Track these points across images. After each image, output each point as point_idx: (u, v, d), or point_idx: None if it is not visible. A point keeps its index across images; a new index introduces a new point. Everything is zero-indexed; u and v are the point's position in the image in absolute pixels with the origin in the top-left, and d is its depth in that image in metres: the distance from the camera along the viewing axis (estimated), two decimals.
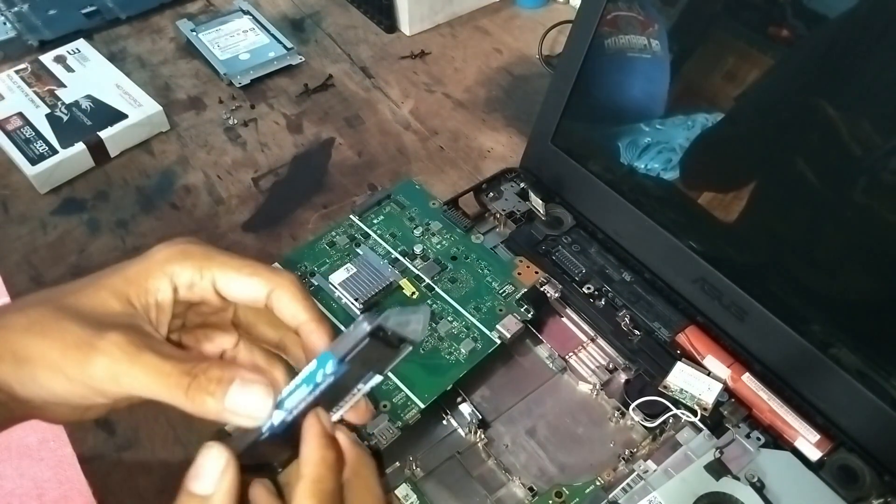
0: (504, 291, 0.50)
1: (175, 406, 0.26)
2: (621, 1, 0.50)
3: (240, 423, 0.26)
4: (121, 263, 0.28)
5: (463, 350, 0.47)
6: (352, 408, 0.28)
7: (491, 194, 0.57)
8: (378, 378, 0.27)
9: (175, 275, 0.27)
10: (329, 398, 0.27)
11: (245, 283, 0.28)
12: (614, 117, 0.55)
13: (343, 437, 0.27)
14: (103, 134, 0.65)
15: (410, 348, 0.27)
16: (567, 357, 0.49)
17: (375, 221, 0.55)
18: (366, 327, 0.25)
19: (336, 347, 0.25)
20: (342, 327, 0.48)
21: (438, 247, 0.53)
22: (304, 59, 0.77)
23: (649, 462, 0.43)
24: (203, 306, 0.30)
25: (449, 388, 0.45)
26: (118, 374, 0.25)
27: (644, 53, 0.50)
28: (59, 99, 0.69)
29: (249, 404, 0.25)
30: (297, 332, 0.29)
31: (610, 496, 0.42)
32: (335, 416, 0.27)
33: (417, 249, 0.53)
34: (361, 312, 0.48)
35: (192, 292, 0.28)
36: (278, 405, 0.26)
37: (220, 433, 0.29)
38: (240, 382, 0.25)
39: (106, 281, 0.27)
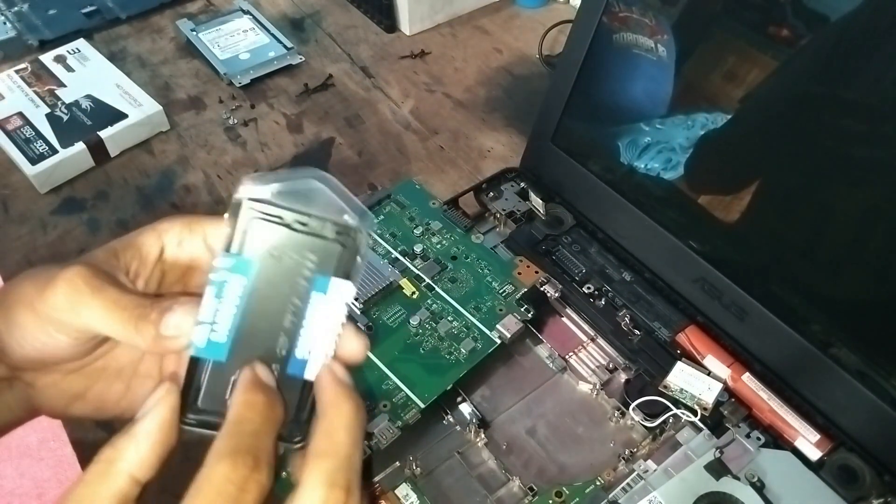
0: (504, 291, 0.50)
1: (131, 344, 0.26)
2: (621, 0, 0.50)
3: (175, 347, 0.25)
4: None
5: (463, 350, 0.47)
6: (340, 338, 0.25)
7: (491, 194, 0.57)
8: (344, 287, 0.24)
9: (164, 231, 0.28)
10: (276, 319, 0.24)
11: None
12: (614, 117, 0.55)
13: (326, 374, 0.25)
14: (103, 134, 0.65)
15: (362, 241, 0.24)
16: (567, 357, 0.49)
17: (375, 221, 0.55)
18: (236, 199, 0.23)
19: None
20: None
21: (438, 246, 0.53)
22: (304, 59, 0.77)
23: (649, 462, 0.43)
24: (197, 275, 0.29)
25: (449, 387, 0.45)
26: (78, 304, 0.25)
27: (649, 54, 0.50)
28: (59, 99, 0.69)
29: (176, 323, 0.25)
30: None
31: (610, 496, 0.42)
32: (317, 353, 0.25)
33: (417, 249, 0.53)
34: (362, 312, 0.48)
35: (182, 249, 0.28)
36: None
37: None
38: (170, 310, 0.25)
39: (113, 242, 0.28)
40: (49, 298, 0.25)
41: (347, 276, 0.24)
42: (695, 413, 0.44)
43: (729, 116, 0.47)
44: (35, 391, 0.28)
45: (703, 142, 0.48)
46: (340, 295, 0.24)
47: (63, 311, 0.25)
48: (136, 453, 0.24)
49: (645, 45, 0.50)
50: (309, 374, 0.25)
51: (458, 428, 0.46)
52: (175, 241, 0.28)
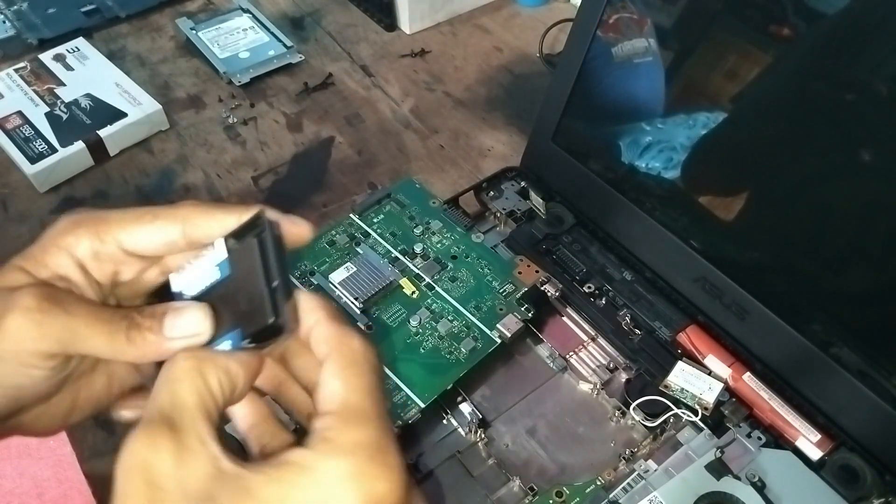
0: (504, 290, 0.50)
1: (114, 357, 0.24)
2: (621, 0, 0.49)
3: (185, 345, 0.25)
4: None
5: (463, 349, 0.46)
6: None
7: (491, 193, 0.57)
8: None
9: (71, 247, 0.25)
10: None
11: (151, 229, 0.26)
12: (615, 116, 0.55)
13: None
14: (103, 133, 0.65)
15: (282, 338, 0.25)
16: (567, 356, 0.49)
17: (375, 220, 0.55)
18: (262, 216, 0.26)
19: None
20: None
21: (439, 246, 0.53)
22: (303, 58, 0.77)
23: (650, 462, 0.43)
24: (127, 286, 0.28)
25: (449, 387, 0.45)
26: (49, 327, 0.23)
27: (646, 56, 0.50)
28: (58, 97, 0.68)
29: (189, 325, 0.25)
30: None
31: (611, 496, 0.42)
32: None
33: (418, 248, 0.53)
34: (362, 312, 0.48)
35: (101, 262, 0.26)
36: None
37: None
38: (172, 312, 0.25)
39: (12, 262, 0.25)
40: (11, 331, 0.23)
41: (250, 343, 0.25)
42: (695, 413, 0.44)
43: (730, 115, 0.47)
44: (24, 428, 0.26)
45: (700, 144, 0.48)
46: None
47: (29, 341, 0.23)
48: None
49: (640, 47, 0.50)
50: None
51: (458, 428, 0.46)
52: (89, 254, 0.26)
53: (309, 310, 0.25)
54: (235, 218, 0.26)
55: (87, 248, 0.26)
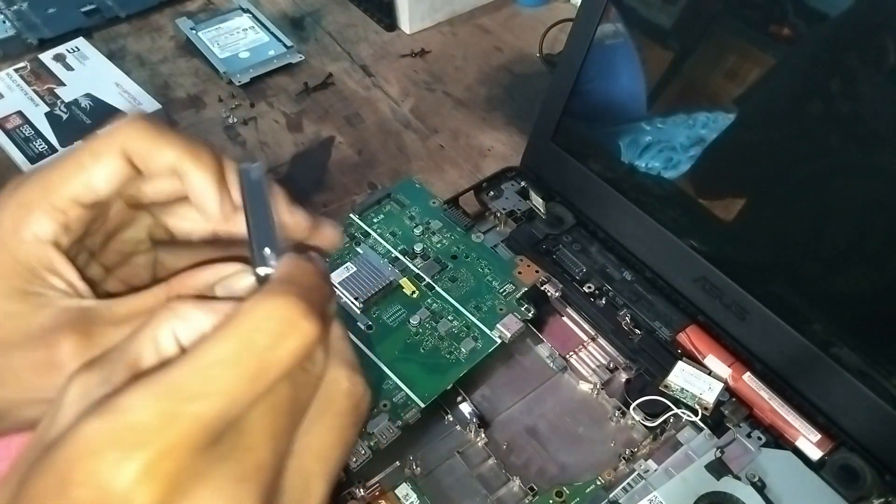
0: (504, 290, 0.50)
1: None
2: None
3: None
4: None
5: (463, 349, 0.46)
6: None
7: (491, 193, 0.57)
8: None
9: (34, 229, 0.21)
10: None
11: (100, 171, 0.22)
12: (615, 116, 0.55)
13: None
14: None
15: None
16: (567, 356, 0.49)
17: (375, 220, 0.55)
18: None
19: None
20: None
21: (439, 246, 0.53)
22: (303, 58, 0.77)
23: (650, 461, 0.43)
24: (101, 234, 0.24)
25: (449, 387, 0.45)
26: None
27: (616, 37, 0.50)
28: (58, 97, 0.68)
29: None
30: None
31: (611, 496, 0.42)
32: None
33: (418, 248, 0.53)
34: (362, 312, 0.48)
35: (70, 228, 0.22)
36: None
37: None
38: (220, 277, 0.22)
39: None
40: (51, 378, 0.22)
41: None
42: (695, 413, 0.44)
43: (729, 115, 0.47)
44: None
45: (709, 149, 0.48)
46: None
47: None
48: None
49: (611, 30, 0.49)
50: None
51: (458, 427, 0.46)
52: (61, 229, 0.22)
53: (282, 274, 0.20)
54: (183, 147, 0.23)
55: (48, 225, 0.22)
